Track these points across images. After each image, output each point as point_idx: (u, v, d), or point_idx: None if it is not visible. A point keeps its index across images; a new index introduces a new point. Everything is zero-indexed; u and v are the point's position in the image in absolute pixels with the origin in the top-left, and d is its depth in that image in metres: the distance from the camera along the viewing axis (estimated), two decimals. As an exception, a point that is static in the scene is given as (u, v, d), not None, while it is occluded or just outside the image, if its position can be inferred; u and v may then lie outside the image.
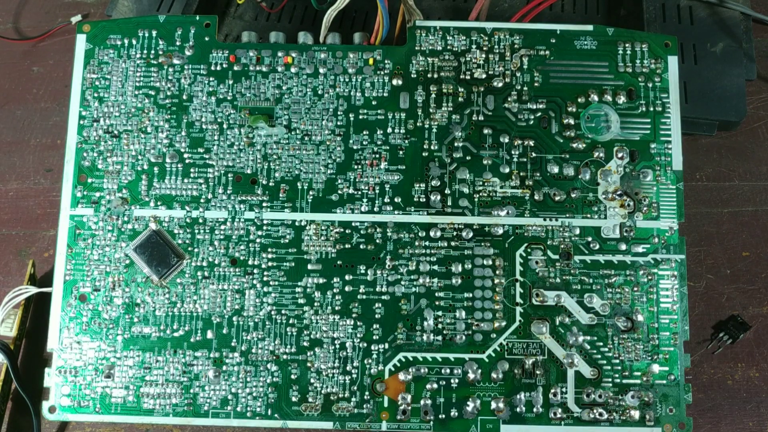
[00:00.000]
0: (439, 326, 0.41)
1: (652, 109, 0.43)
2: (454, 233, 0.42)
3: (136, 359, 0.41)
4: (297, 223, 0.42)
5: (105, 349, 0.41)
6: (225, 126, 0.43)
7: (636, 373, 0.41)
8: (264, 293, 0.42)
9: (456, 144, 0.43)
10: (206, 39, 0.44)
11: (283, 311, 0.41)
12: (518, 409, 0.40)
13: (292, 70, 0.44)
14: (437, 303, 0.41)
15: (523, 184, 0.43)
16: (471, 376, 0.40)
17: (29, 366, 0.45)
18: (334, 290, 0.42)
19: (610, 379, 0.41)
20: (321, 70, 0.44)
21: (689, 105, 0.48)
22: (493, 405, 0.40)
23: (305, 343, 0.41)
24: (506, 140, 0.43)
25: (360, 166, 0.43)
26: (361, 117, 0.43)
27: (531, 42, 0.44)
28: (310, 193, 0.43)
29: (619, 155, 0.43)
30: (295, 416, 0.41)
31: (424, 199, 0.42)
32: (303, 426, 0.41)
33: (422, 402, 0.40)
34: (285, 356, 0.41)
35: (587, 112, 0.43)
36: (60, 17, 0.57)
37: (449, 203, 0.42)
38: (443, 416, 0.40)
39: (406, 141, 0.43)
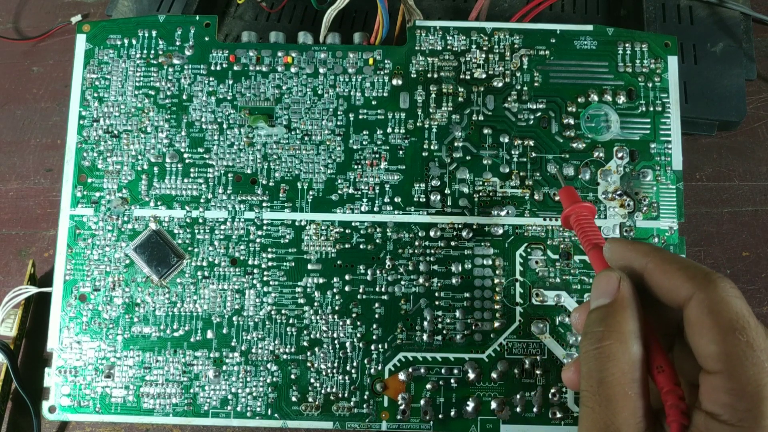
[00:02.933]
0: (439, 326, 0.41)
1: (652, 109, 0.43)
2: (454, 233, 0.42)
3: (136, 359, 0.41)
4: (297, 223, 0.42)
5: (105, 349, 0.41)
6: (225, 126, 0.43)
7: (636, 373, 0.41)
8: (264, 293, 0.42)
9: (456, 144, 0.43)
10: (206, 39, 0.44)
11: (283, 311, 0.42)
12: (518, 409, 0.40)
13: (292, 70, 0.44)
14: (437, 303, 0.41)
15: (523, 184, 0.43)
16: (471, 376, 0.40)
17: (29, 366, 0.45)
18: (334, 290, 0.42)
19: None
20: (321, 70, 0.44)
21: (689, 105, 0.48)
22: (493, 405, 0.40)
23: (305, 343, 0.41)
24: (506, 140, 0.43)
25: (360, 166, 0.43)
26: (361, 117, 0.43)
27: (531, 42, 0.44)
28: (310, 193, 0.43)
29: (619, 155, 0.43)
30: (295, 416, 0.41)
31: (424, 199, 0.42)
32: (303, 426, 0.41)
33: (422, 402, 0.40)
34: (285, 356, 0.41)
35: (587, 112, 0.43)
36: (60, 17, 0.57)
37: (449, 203, 0.42)
38: (443, 416, 0.40)
39: (406, 141, 0.43)
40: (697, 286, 0.25)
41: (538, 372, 0.41)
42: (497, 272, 0.42)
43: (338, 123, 0.43)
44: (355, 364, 0.41)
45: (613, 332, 0.26)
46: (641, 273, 0.27)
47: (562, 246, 0.42)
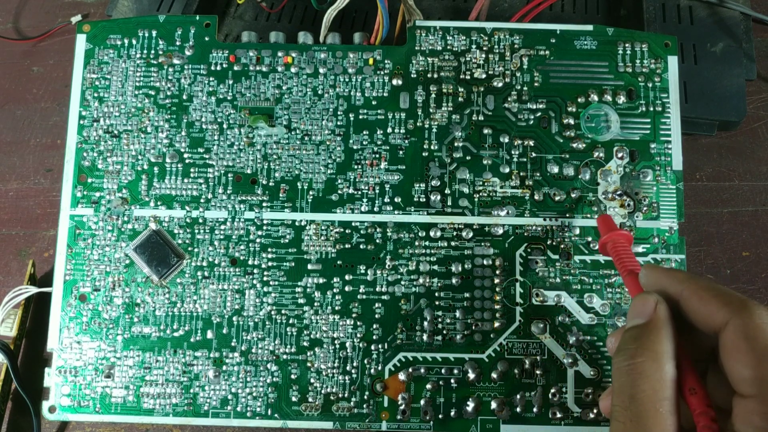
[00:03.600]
0: (439, 326, 0.41)
1: (652, 109, 0.43)
2: (454, 233, 0.42)
3: (136, 359, 0.41)
4: (297, 223, 0.42)
5: (105, 349, 0.41)
6: (225, 126, 0.43)
7: (636, 373, 0.40)
8: (264, 293, 0.42)
9: (456, 144, 0.43)
10: (206, 39, 0.44)
11: (283, 311, 0.42)
12: (518, 409, 0.40)
13: (292, 70, 0.44)
14: (437, 303, 0.41)
15: (523, 184, 0.43)
16: (471, 376, 0.40)
17: (29, 366, 0.45)
18: (334, 290, 0.42)
19: (610, 379, 0.40)
20: (321, 70, 0.44)
21: (689, 105, 0.48)
22: (493, 405, 0.40)
23: (305, 343, 0.41)
24: (506, 140, 0.43)
25: (360, 166, 0.43)
26: (361, 117, 0.43)
27: (531, 42, 0.44)
28: (310, 193, 0.43)
29: (619, 155, 0.43)
30: (295, 416, 0.41)
31: (424, 199, 0.42)
32: (303, 426, 0.41)
33: (422, 402, 0.40)
34: (285, 356, 0.41)
35: (587, 112, 0.43)
36: (60, 17, 0.57)
37: (449, 203, 0.42)
38: (443, 416, 0.40)
39: (406, 141, 0.43)
40: (733, 312, 0.25)
41: (538, 372, 0.41)
42: (497, 272, 0.42)
43: (338, 123, 0.43)
44: (355, 364, 0.41)
45: (647, 350, 0.26)
46: (676, 299, 0.28)
47: (562, 246, 0.42)
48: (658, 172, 0.42)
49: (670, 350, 0.26)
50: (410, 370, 0.41)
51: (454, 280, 0.42)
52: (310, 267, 0.42)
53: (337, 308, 0.41)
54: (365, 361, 0.41)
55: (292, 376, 0.41)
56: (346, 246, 0.42)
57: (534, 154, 0.43)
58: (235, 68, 0.44)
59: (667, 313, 0.27)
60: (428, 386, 0.40)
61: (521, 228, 0.42)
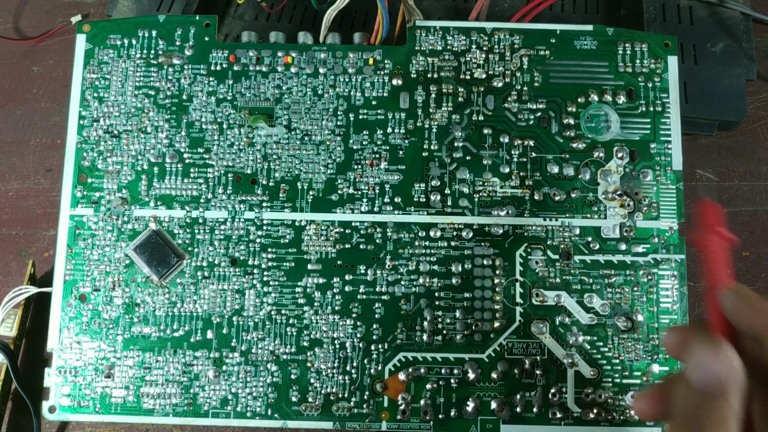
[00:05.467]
0: (439, 326, 0.41)
1: (652, 109, 0.43)
2: (454, 233, 0.42)
3: (136, 359, 0.41)
4: (297, 223, 0.42)
5: (105, 349, 0.41)
6: (225, 126, 0.43)
7: (636, 373, 0.41)
8: (264, 293, 0.42)
9: (456, 144, 0.43)
10: (206, 39, 0.44)
11: (283, 311, 0.41)
12: (518, 409, 0.40)
13: (292, 70, 0.44)
14: (437, 303, 0.41)
15: (523, 184, 0.43)
16: (471, 376, 0.40)
17: (29, 366, 0.45)
18: (334, 290, 0.42)
19: (610, 379, 0.41)
20: (321, 70, 0.44)
21: (689, 105, 0.48)
22: (493, 405, 0.40)
23: (305, 343, 0.41)
24: (506, 140, 0.43)
25: (360, 166, 0.43)
26: (361, 117, 0.43)
27: (531, 42, 0.44)
28: (310, 193, 0.43)
29: (619, 155, 0.43)
30: (295, 416, 0.41)
31: (424, 199, 0.42)
32: (303, 426, 0.41)
33: (422, 402, 0.40)
34: (285, 356, 0.41)
35: (587, 112, 0.43)
36: (60, 17, 0.57)
37: (449, 203, 0.42)
38: (443, 416, 0.40)
39: (406, 141, 0.43)
40: None
41: (538, 372, 0.41)
42: (497, 272, 0.42)
43: (338, 123, 0.43)
44: (355, 364, 0.41)
45: (716, 424, 0.24)
46: (758, 336, 0.24)
47: (562, 246, 0.42)
48: (658, 172, 0.42)
49: (740, 418, 0.23)
50: (410, 370, 0.41)
51: (454, 280, 0.42)
52: (310, 267, 0.42)
53: (337, 308, 0.41)
54: (365, 361, 0.41)
55: (292, 376, 0.41)
56: (346, 246, 0.42)
57: (534, 154, 0.43)
58: (235, 68, 0.44)
59: (744, 384, 0.24)
60: (428, 386, 0.40)
61: (521, 228, 0.42)
